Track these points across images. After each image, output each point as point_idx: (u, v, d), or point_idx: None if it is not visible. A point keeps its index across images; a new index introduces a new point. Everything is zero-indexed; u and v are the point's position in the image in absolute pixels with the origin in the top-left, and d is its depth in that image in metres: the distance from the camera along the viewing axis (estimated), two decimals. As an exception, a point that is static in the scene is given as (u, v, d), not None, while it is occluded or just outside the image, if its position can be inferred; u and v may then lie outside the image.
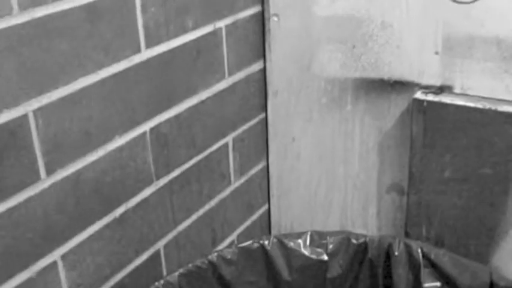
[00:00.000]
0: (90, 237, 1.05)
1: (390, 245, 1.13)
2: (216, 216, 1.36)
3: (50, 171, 0.95)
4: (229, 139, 1.34)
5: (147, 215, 1.16)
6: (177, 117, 1.18)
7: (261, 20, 1.34)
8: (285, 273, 1.15)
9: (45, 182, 0.95)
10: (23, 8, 0.86)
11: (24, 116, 0.90)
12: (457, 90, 1.19)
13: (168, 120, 1.16)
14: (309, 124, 1.38)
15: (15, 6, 0.85)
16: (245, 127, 1.38)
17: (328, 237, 1.15)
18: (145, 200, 1.15)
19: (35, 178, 0.93)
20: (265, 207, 1.52)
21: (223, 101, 1.29)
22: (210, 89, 1.25)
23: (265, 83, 1.40)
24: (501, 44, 1.12)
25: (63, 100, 0.94)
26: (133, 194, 1.12)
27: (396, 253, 1.12)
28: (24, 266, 0.95)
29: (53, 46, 0.91)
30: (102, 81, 1.00)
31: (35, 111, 0.91)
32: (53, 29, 0.91)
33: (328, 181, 1.42)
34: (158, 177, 1.17)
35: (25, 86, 0.89)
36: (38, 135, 0.92)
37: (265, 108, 1.42)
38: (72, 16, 0.93)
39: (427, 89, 1.21)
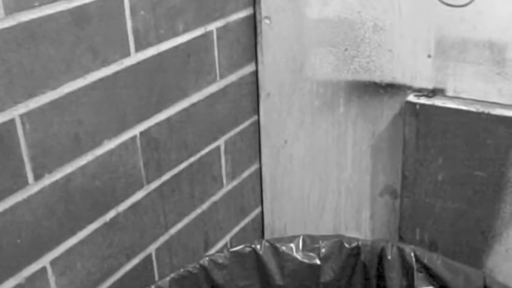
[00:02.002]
0: (80, 242, 1.05)
1: (383, 249, 1.12)
2: (208, 219, 1.35)
3: (38, 177, 0.94)
4: (221, 142, 1.33)
5: (138, 219, 1.16)
6: (168, 120, 1.17)
7: (253, 22, 1.33)
8: (277, 278, 1.15)
9: (33, 187, 0.94)
10: (9, 12, 0.85)
11: (11, 121, 0.89)
12: (449, 93, 1.19)
13: (158, 124, 1.15)
14: (301, 127, 1.38)
15: (0, 11, 0.84)
16: (237, 130, 1.37)
17: (320, 241, 1.15)
18: (136, 204, 1.14)
19: (23, 183, 0.93)
20: (258, 210, 1.52)
21: (215, 103, 1.29)
22: (202, 92, 1.24)
23: (257, 85, 1.39)
24: (493, 47, 1.11)
25: (50, 105, 0.94)
26: (124, 198, 1.12)
27: (389, 257, 1.11)
28: (13, 273, 0.94)
29: (40, 50, 0.91)
30: (91, 86, 1.00)
31: (22, 116, 0.90)
32: (39, 33, 0.90)
33: (321, 184, 1.41)
34: (149, 181, 1.16)
35: (12, 91, 0.88)
36: (25, 140, 0.91)
37: (257, 110, 1.42)
38: (59, 20, 0.92)
39: (419, 92, 1.21)
